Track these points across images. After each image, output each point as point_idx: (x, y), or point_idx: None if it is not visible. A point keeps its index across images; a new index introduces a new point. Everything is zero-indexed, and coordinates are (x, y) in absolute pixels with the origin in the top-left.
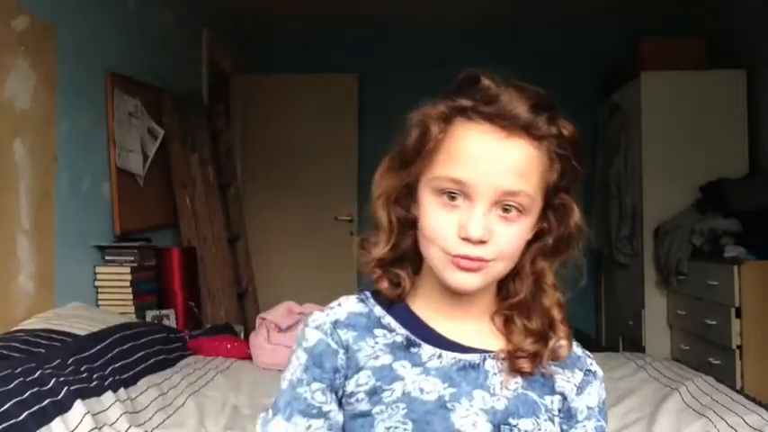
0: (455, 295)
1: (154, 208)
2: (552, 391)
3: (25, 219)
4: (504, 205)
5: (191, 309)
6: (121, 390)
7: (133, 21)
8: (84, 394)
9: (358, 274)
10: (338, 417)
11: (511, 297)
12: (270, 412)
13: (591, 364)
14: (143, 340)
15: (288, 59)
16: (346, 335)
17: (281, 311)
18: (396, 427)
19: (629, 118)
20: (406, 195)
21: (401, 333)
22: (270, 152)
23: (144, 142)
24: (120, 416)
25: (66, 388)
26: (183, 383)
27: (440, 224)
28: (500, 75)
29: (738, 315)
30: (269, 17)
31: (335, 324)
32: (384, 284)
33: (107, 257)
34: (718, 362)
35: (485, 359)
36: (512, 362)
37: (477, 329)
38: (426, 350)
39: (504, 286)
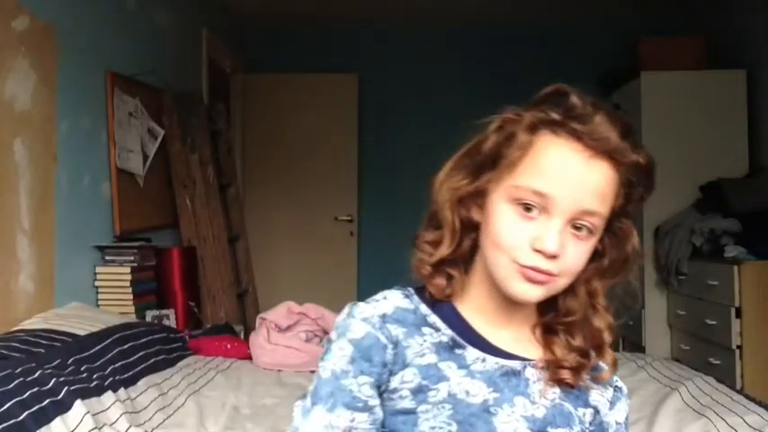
0: (506, 303)
1: (154, 208)
2: (586, 404)
3: (25, 219)
4: (578, 223)
5: (191, 309)
6: (121, 390)
7: (133, 21)
8: (84, 394)
9: (358, 275)
10: (380, 412)
11: (563, 314)
12: (308, 400)
13: (617, 380)
14: (143, 340)
15: (288, 59)
16: (396, 330)
17: (281, 311)
18: (440, 428)
19: (629, 118)
20: (472, 198)
21: (447, 333)
22: (270, 152)
23: (144, 142)
24: (120, 416)
25: (66, 388)
26: (183, 383)
27: (513, 233)
28: (587, 95)
29: (738, 315)
30: (269, 17)
31: (384, 318)
32: (436, 283)
33: (107, 257)
34: (718, 362)
35: (525, 367)
36: (553, 372)
37: (516, 337)
38: (471, 353)
39: (549, 300)
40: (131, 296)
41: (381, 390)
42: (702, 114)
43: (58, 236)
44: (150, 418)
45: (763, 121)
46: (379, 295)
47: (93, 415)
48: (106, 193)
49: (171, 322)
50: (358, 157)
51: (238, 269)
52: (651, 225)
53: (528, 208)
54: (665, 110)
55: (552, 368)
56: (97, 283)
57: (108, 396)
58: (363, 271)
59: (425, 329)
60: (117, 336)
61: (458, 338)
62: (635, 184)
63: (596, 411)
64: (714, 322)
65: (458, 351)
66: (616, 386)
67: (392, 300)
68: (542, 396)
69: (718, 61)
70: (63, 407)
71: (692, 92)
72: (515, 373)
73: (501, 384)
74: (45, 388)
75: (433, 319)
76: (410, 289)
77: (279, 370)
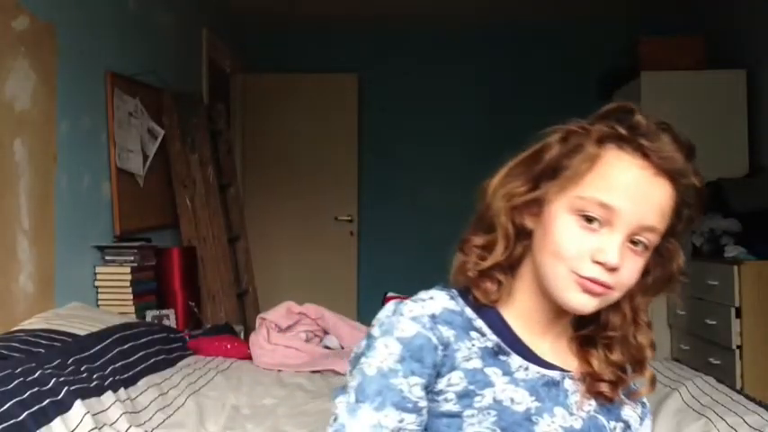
0: (551, 312)
1: (154, 208)
2: (618, 419)
3: (25, 219)
4: (636, 239)
5: (191, 309)
6: (121, 390)
7: (133, 21)
8: (84, 394)
9: (358, 275)
10: (426, 414)
11: (604, 328)
12: (352, 396)
13: (643, 396)
14: (143, 340)
15: (288, 59)
16: (447, 332)
17: (281, 311)
18: None
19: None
20: (527, 205)
21: (492, 339)
22: (270, 152)
23: (144, 142)
24: (120, 416)
25: (66, 388)
26: (183, 383)
27: (574, 244)
28: (650, 114)
29: (738, 315)
30: (269, 17)
31: (433, 318)
32: (484, 288)
33: (107, 257)
34: (718, 362)
35: (564, 378)
36: (591, 384)
37: (554, 347)
38: (515, 360)
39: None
40: (131, 296)
41: (427, 391)
42: (702, 114)
43: (58, 236)
44: (150, 418)
45: (763, 121)
46: (425, 294)
47: (93, 415)
48: (106, 193)
49: (171, 322)
50: (358, 157)
51: (238, 269)
52: None
53: (590, 219)
54: (665, 110)
55: (590, 381)
56: (97, 283)
57: (108, 396)
58: (363, 271)
59: (473, 333)
60: (117, 336)
61: (503, 345)
62: (688, 206)
63: (627, 426)
64: (714, 322)
65: (502, 357)
66: (643, 402)
67: (439, 300)
68: (579, 408)
69: (718, 61)
70: (63, 407)
71: (692, 92)
72: (555, 384)
73: (542, 394)
74: (45, 388)
75: (479, 323)
76: (454, 291)
77: (279, 370)
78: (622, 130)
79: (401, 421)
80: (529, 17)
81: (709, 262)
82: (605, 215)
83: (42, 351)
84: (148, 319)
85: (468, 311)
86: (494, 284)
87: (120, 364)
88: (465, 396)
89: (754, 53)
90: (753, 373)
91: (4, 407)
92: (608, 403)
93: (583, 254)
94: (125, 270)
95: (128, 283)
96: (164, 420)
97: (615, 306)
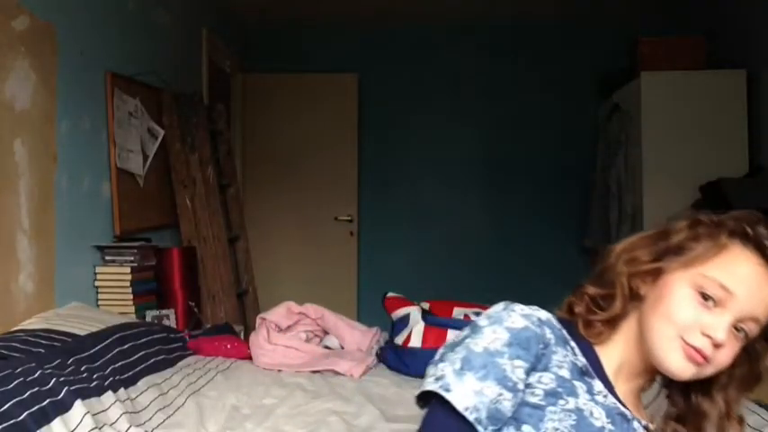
0: (642, 368)
1: (154, 208)
2: None
3: (25, 219)
4: (740, 326)
5: (191, 309)
6: (121, 390)
7: (133, 21)
8: (84, 394)
9: (358, 275)
10: (520, 397)
11: (694, 411)
12: (458, 364)
13: None
14: (143, 340)
15: (288, 59)
16: (549, 335)
17: (281, 311)
18: (562, 431)
19: (629, 118)
20: (646, 273)
21: (581, 360)
22: (270, 152)
23: (144, 142)
24: (120, 416)
25: (66, 388)
26: (183, 383)
27: (688, 314)
28: None
29: None
30: (269, 17)
31: (541, 320)
32: (590, 330)
33: (107, 257)
34: None
35: (634, 419)
36: None
37: (628, 395)
38: (597, 384)
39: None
40: (131, 296)
41: (527, 376)
42: (702, 114)
43: (58, 236)
44: (150, 418)
45: (763, 121)
46: (528, 306)
47: (93, 415)
48: (106, 193)
49: (171, 322)
50: (358, 157)
51: (238, 269)
52: (651, 225)
53: (706, 297)
54: (665, 110)
55: None
56: (97, 283)
57: (108, 396)
58: (363, 271)
59: (567, 348)
60: (117, 336)
61: (589, 369)
62: None
63: None
64: None
65: (587, 378)
66: None
67: (544, 312)
68: None
69: (719, 61)
70: (63, 407)
71: (692, 92)
72: (627, 420)
73: (617, 421)
74: (45, 388)
75: (573, 344)
76: (550, 315)
77: (279, 370)
78: (750, 231)
79: (500, 395)
80: (529, 17)
81: None
82: (722, 296)
83: (42, 351)
84: (148, 319)
85: (565, 333)
86: (597, 328)
87: (120, 364)
88: (552, 395)
89: (754, 53)
90: None
91: (4, 407)
92: None
93: (694, 325)
94: (125, 270)
95: (128, 283)
96: (164, 420)
97: (707, 395)
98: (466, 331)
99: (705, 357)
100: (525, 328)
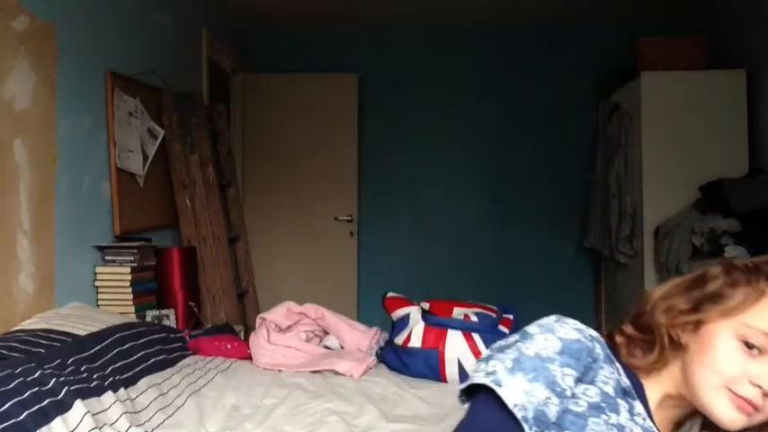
0: (682, 411)
1: (154, 208)
2: None
3: (25, 219)
4: None
5: (191, 309)
6: (121, 390)
7: (133, 21)
8: (85, 394)
9: (358, 275)
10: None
11: None
12: (509, 363)
13: None
14: (143, 340)
15: (288, 59)
16: (599, 350)
17: (281, 311)
18: None
19: (629, 118)
20: (684, 322)
21: (625, 382)
22: (270, 152)
23: (144, 142)
24: (120, 416)
25: (66, 388)
26: (183, 383)
27: (734, 365)
28: None
29: None
30: (269, 17)
31: (592, 336)
32: (630, 361)
33: (107, 257)
34: None
35: None
36: None
37: (659, 419)
38: (638, 406)
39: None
40: (131, 296)
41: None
42: (702, 114)
43: (58, 236)
44: (150, 418)
45: (763, 121)
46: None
47: (93, 415)
48: (106, 193)
49: (171, 322)
50: (358, 157)
51: (238, 269)
52: (651, 225)
53: (750, 346)
54: (665, 110)
55: None
56: (97, 283)
57: (108, 396)
58: (363, 271)
59: (613, 366)
60: (117, 336)
61: (632, 391)
62: None
63: None
64: None
65: (629, 399)
66: None
67: (594, 331)
68: None
69: (719, 61)
70: (63, 407)
71: (692, 92)
72: None
73: None
74: (45, 388)
75: (618, 366)
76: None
77: (279, 370)
78: None
79: (547, 398)
80: (529, 17)
81: (709, 262)
82: (766, 345)
83: (42, 351)
84: (148, 319)
85: (611, 355)
86: (636, 367)
87: (120, 364)
88: (595, 408)
89: (754, 53)
90: None
91: (4, 407)
92: None
93: (742, 375)
94: (125, 270)
95: (128, 283)
96: (164, 420)
97: None
98: (515, 337)
99: (755, 407)
100: (577, 340)
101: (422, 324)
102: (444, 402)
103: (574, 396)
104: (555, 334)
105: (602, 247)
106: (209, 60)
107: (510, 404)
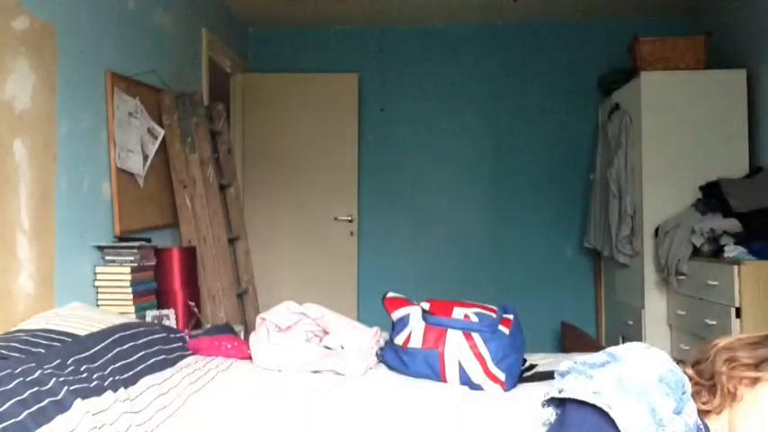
0: None
1: (154, 208)
2: None
3: (25, 219)
4: None
5: (191, 309)
6: (121, 390)
7: (133, 21)
8: (84, 394)
9: (358, 275)
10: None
11: None
12: (613, 382)
13: None
14: (143, 340)
15: (288, 59)
16: (688, 385)
17: (281, 311)
18: None
19: (629, 118)
20: (745, 377)
21: (700, 421)
22: (270, 152)
23: (144, 142)
24: (120, 416)
25: (66, 388)
26: (183, 383)
27: None
28: None
29: (738, 315)
30: (269, 17)
31: (680, 370)
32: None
33: (107, 257)
34: None
35: None
36: None
37: None
38: None
39: None
40: (131, 296)
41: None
42: (702, 114)
43: (58, 236)
44: (150, 418)
45: (763, 121)
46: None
47: (94, 415)
48: (106, 193)
49: (171, 322)
50: (358, 157)
51: (238, 269)
52: (651, 225)
53: None
54: (665, 110)
55: None
56: (97, 283)
57: (108, 396)
58: (363, 271)
59: (694, 404)
60: (117, 336)
61: (703, 430)
62: None
63: None
64: (714, 322)
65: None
66: None
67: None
68: None
69: (719, 61)
70: (63, 407)
71: (692, 92)
72: None
73: None
74: (45, 388)
75: (694, 403)
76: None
77: (279, 370)
78: None
79: (648, 424)
80: (529, 17)
81: (709, 262)
82: None
83: (42, 351)
84: (148, 319)
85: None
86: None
87: (120, 363)
88: None
89: (754, 53)
90: None
91: (4, 407)
92: None
93: None
94: (125, 270)
95: (128, 283)
96: (164, 420)
97: None
98: (603, 356)
99: None
100: (673, 372)
101: (422, 324)
102: (444, 402)
103: (666, 425)
104: (650, 361)
105: (602, 247)
106: (209, 60)
107: (622, 428)
